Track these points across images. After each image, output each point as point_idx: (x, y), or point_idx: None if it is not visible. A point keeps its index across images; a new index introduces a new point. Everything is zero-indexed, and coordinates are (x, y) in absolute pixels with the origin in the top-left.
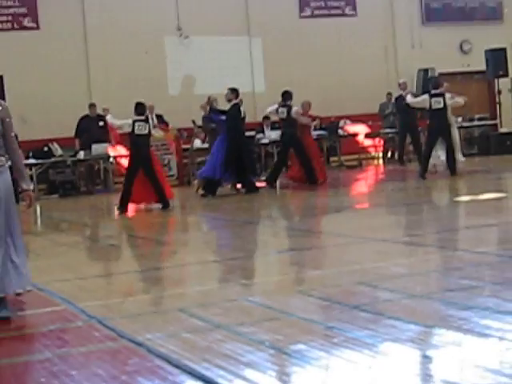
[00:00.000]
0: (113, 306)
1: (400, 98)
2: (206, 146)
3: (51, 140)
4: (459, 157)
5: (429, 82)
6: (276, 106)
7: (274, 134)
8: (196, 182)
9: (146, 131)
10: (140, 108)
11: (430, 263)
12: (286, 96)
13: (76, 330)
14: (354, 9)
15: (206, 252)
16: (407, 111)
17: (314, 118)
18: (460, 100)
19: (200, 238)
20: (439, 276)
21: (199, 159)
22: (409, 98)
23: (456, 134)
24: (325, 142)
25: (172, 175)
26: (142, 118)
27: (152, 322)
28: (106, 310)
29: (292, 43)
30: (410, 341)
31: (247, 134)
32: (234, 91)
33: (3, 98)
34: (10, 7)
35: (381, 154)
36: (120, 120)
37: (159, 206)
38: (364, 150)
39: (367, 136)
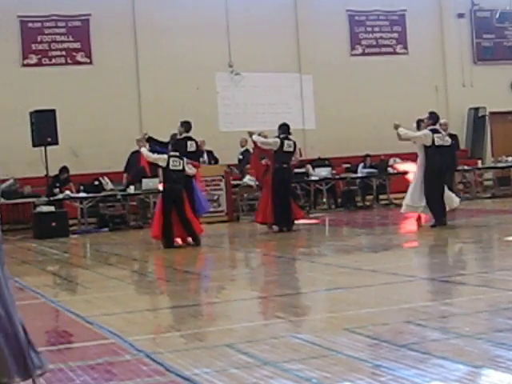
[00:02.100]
0: (161, 341)
1: None
2: (252, 182)
3: (102, 174)
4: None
5: (479, 122)
6: (276, 138)
7: (324, 171)
8: None
9: (181, 167)
10: (177, 144)
11: (479, 303)
12: (286, 128)
13: (124, 364)
14: (405, 47)
15: (253, 288)
16: (447, 151)
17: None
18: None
19: (247, 273)
20: (488, 316)
21: (246, 195)
22: (403, 130)
23: (419, 178)
24: (374, 180)
25: (221, 211)
26: (178, 154)
27: (200, 357)
28: (154, 344)
29: (343, 81)
30: (458, 381)
31: (298, 170)
32: (185, 124)
33: (55, 132)
34: (63, 42)
35: None
36: (154, 154)
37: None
38: None
39: None
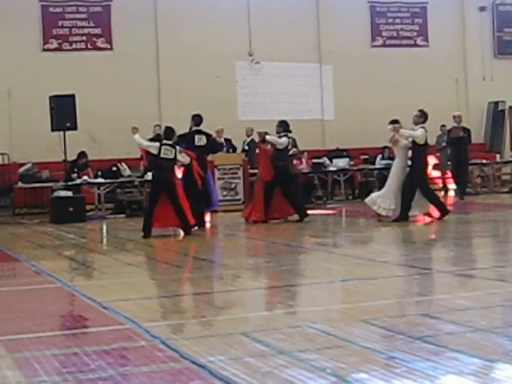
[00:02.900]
0: (176, 327)
1: (452, 131)
2: None
3: (120, 160)
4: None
5: (498, 115)
6: (284, 136)
7: (342, 162)
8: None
9: (172, 156)
10: (169, 133)
11: (495, 297)
12: (286, 126)
13: (139, 350)
14: (426, 39)
15: (269, 277)
16: (458, 144)
17: None
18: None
19: (263, 262)
20: (504, 310)
21: None
22: (405, 132)
23: (400, 180)
24: None
25: (239, 199)
26: (170, 142)
27: (215, 344)
28: (169, 330)
29: (362, 72)
30: (473, 374)
31: (316, 160)
32: (195, 118)
33: (74, 117)
34: (84, 28)
35: (452, 186)
36: (147, 142)
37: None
38: (432, 181)
39: (435, 167)
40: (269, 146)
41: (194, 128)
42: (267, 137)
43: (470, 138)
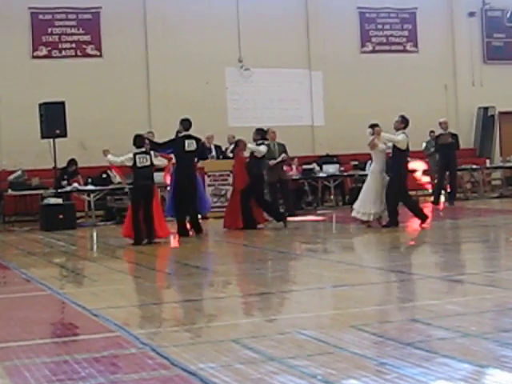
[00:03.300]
0: (166, 334)
1: (441, 137)
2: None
3: (110, 167)
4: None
5: (488, 121)
6: (263, 145)
7: (332, 168)
8: None
9: (148, 163)
10: (139, 141)
11: (485, 302)
12: (264, 133)
13: (129, 357)
14: (416, 45)
15: (259, 283)
16: (446, 150)
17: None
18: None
19: (253, 269)
20: (494, 316)
21: None
22: (385, 135)
23: (377, 184)
24: None
25: None
26: (143, 149)
27: (205, 351)
28: (159, 337)
29: (352, 78)
30: (464, 380)
31: (306, 166)
32: (184, 122)
33: (64, 124)
34: (73, 35)
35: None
36: (120, 157)
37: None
38: (421, 186)
39: (425, 173)
40: (245, 154)
41: (184, 133)
42: (248, 145)
43: (458, 144)
